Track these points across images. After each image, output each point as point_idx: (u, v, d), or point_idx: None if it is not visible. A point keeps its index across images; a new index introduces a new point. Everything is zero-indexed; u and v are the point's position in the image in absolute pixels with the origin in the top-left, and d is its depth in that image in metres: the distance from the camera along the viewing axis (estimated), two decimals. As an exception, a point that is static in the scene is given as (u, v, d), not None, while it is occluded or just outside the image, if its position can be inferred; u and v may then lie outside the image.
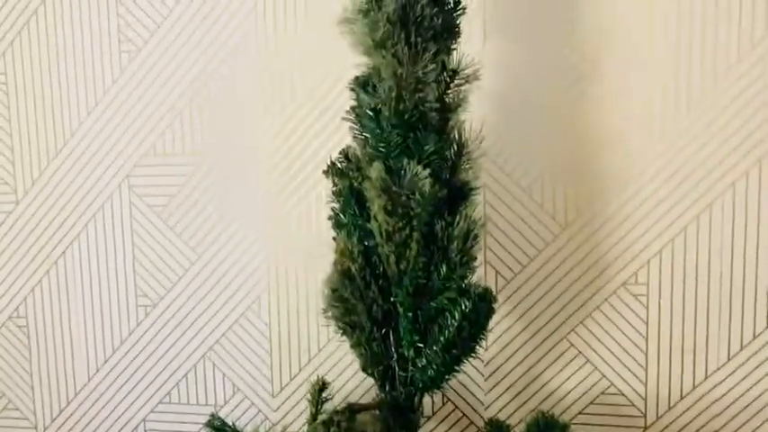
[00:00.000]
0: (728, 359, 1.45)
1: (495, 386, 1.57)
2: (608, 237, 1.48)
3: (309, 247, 1.57)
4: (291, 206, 1.60)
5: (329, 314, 1.07)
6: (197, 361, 1.68)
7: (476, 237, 1.04)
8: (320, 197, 1.57)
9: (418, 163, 0.98)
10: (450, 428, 1.60)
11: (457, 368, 1.04)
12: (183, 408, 1.70)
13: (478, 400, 1.58)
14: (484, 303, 1.01)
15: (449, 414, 1.60)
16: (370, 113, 1.02)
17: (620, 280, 1.48)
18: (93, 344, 1.72)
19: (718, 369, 1.45)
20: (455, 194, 1.07)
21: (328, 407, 1.12)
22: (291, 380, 1.65)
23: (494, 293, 1.03)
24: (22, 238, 1.72)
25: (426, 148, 1.00)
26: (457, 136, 1.10)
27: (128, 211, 1.68)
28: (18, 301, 1.73)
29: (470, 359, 1.06)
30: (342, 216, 1.12)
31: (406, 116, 0.98)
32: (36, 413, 1.77)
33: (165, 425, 1.72)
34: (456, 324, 1.00)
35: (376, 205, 0.98)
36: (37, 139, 1.71)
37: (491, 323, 1.53)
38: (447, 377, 1.05)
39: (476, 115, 1.23)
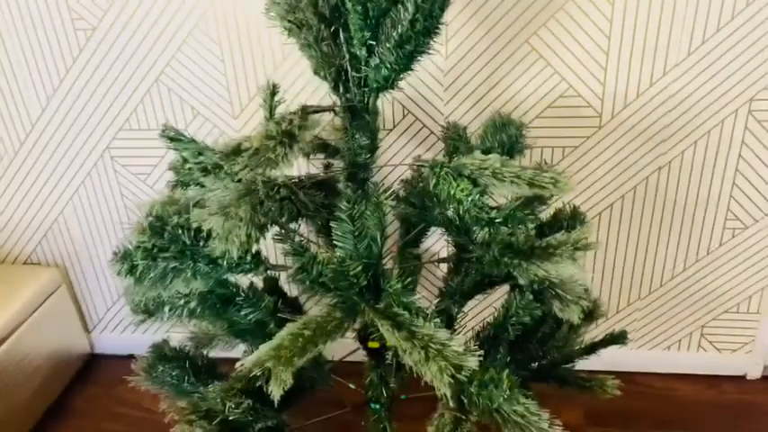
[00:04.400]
0: (689, 54, 1.44)
1: (454, 95, 1.56)
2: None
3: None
4: None
5: (273, 13, 0.99)
6: (150, 85, 1.62)
7: None
8: None
9: None
10: (411, 139, 1.64)
11: (411, 66, 1.01)
12: (144, 134, 1.70)
13: (438, 110, 1.59)
14: (438, -9, 0.94)
15: (410, 125, 1.62)
16: None
17: (588, -25, 1.39)
18: (38, 72, 1.63)
19: (678, 64, 1.45)
20: None
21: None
22: (251, 100, 1.63)
23: (449, -19, 0.95)
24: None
25: None
26: None
27: None
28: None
29: (428, 63, 1.01)
30: None
31: None
32: (3, 140, 1.75)
33: (128, 151, 1.73)
34: (409, 17, 0.94)
35: None
36: None
37: (452, 30, 1.48)
38: (400, 76, 1.02)
39: None
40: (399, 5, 0.95)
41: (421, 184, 1.28)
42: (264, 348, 0.88)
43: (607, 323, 1.83)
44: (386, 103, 1.58)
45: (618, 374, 1.26)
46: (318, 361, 1.21)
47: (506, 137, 1.24)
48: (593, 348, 1.23)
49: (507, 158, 0.97)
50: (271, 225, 0.92)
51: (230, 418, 0.99)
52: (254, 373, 0.87)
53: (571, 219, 1.18)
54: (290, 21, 0.97)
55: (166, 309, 1.15)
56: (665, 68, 1.46)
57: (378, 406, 1.27)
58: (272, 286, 1.40)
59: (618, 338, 1.23)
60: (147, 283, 0.99)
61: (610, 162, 1.59)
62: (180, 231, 0.98)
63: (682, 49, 1.43)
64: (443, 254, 1.77)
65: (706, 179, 1.59)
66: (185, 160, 1.07)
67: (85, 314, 2.04)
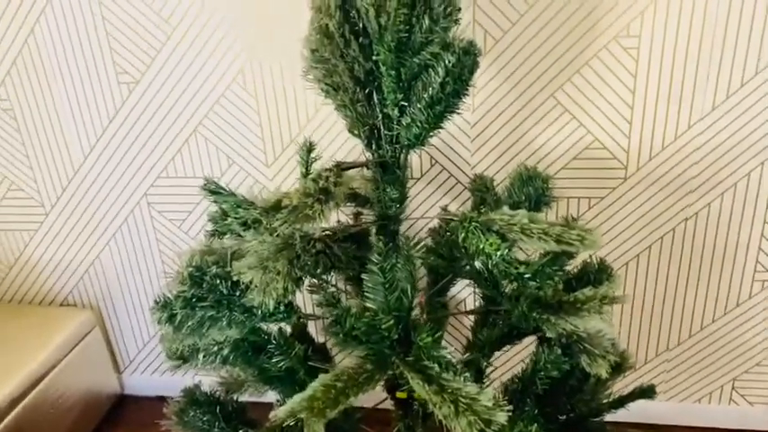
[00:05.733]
0: (713, 108, 1.46)
1: (481, 146, 1.60)
2: (603, -14, 1.40)
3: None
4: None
5: (311, 76, 1.05)
6: (189, 136, 1.69)
7: (460, -15, 0.98)
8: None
9: None
10: (437, 188, 1.68)
11: (441, 125, 1.05)
12: (181, 181, 1.76)
13: (465, 160, 1.63)
14: (468, 57, 0.98)
15: (437, 175, 1.66)
16: None
17: (612, 33, 1.43)
18: (82, 122, 1.72)
19: (702, 118, 1.47)
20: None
21: (318, 167, 1.16)
22: (284, 150, 1.68)
23: (478, 46, 1.00)
24: (-15, 17, 1.63)
25: None
26: None
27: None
28: (-3, 84, 1.70)
29: (455, 116, 1.06)
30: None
31: None
32: (40, 192, 1.84)
33: (164, 197, 1.79)
34: (440, 80, 0.99)
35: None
36: None
37: (479, 85, 1.53)
38: (431, 134, 1.06)
39: None
40: (430, 69, 0.99)
41: (448, 234, 1.31)
42: (297, 399, 0.91)
43: (636, 374, 1.81)
44: (413, 154, 1.62)
45: (648, 427, 1.26)
46: (347, 411, 1.22)
47: (533, 189, 1.27)
48: (621, 402, 1.22)
49: (534, 213, 0.99)
50: (305, 277, 0.96)
51: (263, 466, 1.01)
52: (287, 424, 0.89)
53: (598, 272, 1.20)
54: (327, 84, 1.02)
55: (201, 355, 1.18)
56: (689, 122, 1.48)
57: (405, 456, 1.27)
58: (301, 332, 1.43)
59: (646, 392, 1.22)
60: (185, 331, 1.03)
61: (636, 213, 1.60)
62: (218, 281, 1.02)
63: (706, 103, 1.46)
64: (469, 301, 1.78)
65: (734, 230, 1.59)
66: (225, 213, 1.12)
67: (117, 355, 2.08)
